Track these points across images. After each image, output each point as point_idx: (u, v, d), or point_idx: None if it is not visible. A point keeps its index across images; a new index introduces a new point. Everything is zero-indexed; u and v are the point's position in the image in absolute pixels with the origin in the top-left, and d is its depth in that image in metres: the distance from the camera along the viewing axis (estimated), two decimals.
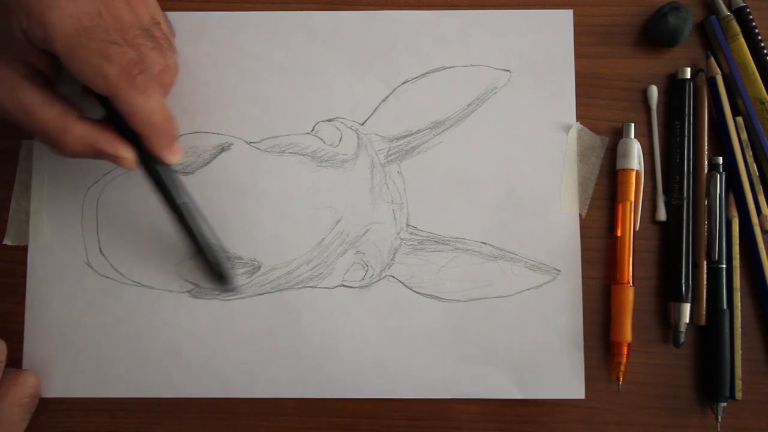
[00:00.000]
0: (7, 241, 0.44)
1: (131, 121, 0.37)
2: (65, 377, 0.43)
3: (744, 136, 0.44)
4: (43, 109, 0.37)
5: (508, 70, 0.45)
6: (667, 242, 0.44)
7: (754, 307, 0.44)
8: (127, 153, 0.38)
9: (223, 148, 0.44)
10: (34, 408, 0.42)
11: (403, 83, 0.45)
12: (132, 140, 0.38)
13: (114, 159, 0.38)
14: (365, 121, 0.45)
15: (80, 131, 0.37)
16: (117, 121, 0.38)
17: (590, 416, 0.43)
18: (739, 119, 0.44)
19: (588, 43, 0.45)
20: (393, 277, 0.44)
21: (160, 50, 0.39)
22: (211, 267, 0.41)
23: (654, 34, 0.45)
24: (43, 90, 0.37)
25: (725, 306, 0.43)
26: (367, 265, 0.44)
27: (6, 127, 0.45)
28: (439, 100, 0.45)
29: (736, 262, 0.43)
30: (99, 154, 0.38)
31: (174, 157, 0.39)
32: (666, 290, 0.44)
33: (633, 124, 0.44)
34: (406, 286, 0.44)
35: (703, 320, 0.43)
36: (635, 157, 0.44)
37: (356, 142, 0.45)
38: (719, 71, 0.45)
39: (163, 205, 0.40)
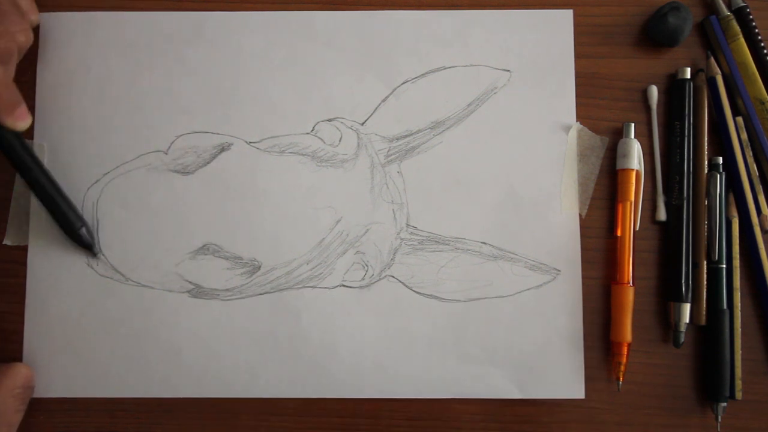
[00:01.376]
0: (7, 241, 0.44)
1: None
2: (65, 377, 0.43)
3: (744, 136, 0.44)
4: None
5: (508, 70, 0.45)
6: (667, 242, 0.44)
7: (754, 307, 0.44)
8: None
9: (223, 148, 0.44)
10: (28, 399, 0.42)
11: (403, 83, 0.45)
12: None
13: None
14: (365, 121, 0.45)
15: None
16: None
17: (590, 416, 0.43)
18: (739, 119, 0.44)
19: (588, 43, 0.45)
20: (393, 277, 0.44)
21: None
22: (69, 231, 0.42)
23: (654, 34, 0.45)
24: None
25: (725, 306, 0.43)
26: (367, 265, 0.44)
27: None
28: (439, 100, 0.45)
29: (736, 262, 0.43)
30: None
31: (18, 122, 0.40)
32: (666, 290, 0.44)
33: (633, 124, 0.44)
34: (406, 286, 0.44)
35: (703, 320, 0.43)
36: (635, 157, 0.44)
37: (356, 142, 0.45)
38: (719, 71, 0.45)
39: (16, 170, 0.41)
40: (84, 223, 0.43)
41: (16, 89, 0.40)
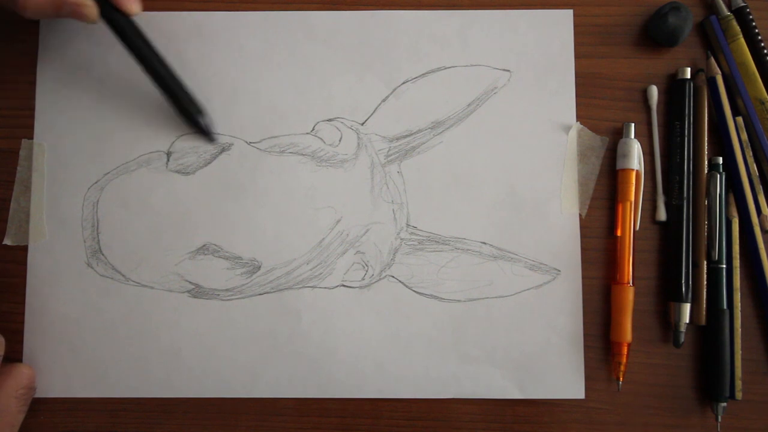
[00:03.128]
0: (7, 241, 0.44)
1: None
2: (65, 377, 0.43)
3: (744, 136, 0.44)
4: None
5: (508, 70, 0.45)
6: (667, 242, 0.44)
7: (754, 307, 0.44)
8: (89, 1, 0.39)
9: (223, 148, 0.44)
10: (30, 400, 0.42)
11: (403, 83, 0.45)
12: None
13: (76, 9, 0.39)
14: (365, 121, 0.45)
15: None
16: None
17: (590, 416, 0.43)
18: (739, 119, 0.44)
19: (588, 43, 0.45)
20: (393, 277, 0.44)
21: None
22: (188, 111, 0.43)
23: (654, 34, 0.45)
24: None
25: (725, 306, 0.43)
26: (367, 265, 0.44)
27: (6, 128, 0.45)
28: (439, 100, 0.45)
29: (736, 262, 0.43)
30: (60, 7, 0.39)
31: (133, 5, 0.41)
32: (666, 290, 0.44)
33: (633, 124, 0.44)
34: (406, 286, 0.44)
35: (703, 320, 0.43)
36: (635, 157, 0.44)
37: (356, 142, 0.45)
38: (719, 71, 0.45)
39: (131, 55, 0.42)
40: (202, 110, 0.43)
41: None
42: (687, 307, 0.43)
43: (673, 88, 0.45)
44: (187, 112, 0.43)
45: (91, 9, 0.39)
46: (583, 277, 0.44)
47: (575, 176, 0.44)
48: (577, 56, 0.45)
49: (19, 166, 0.44)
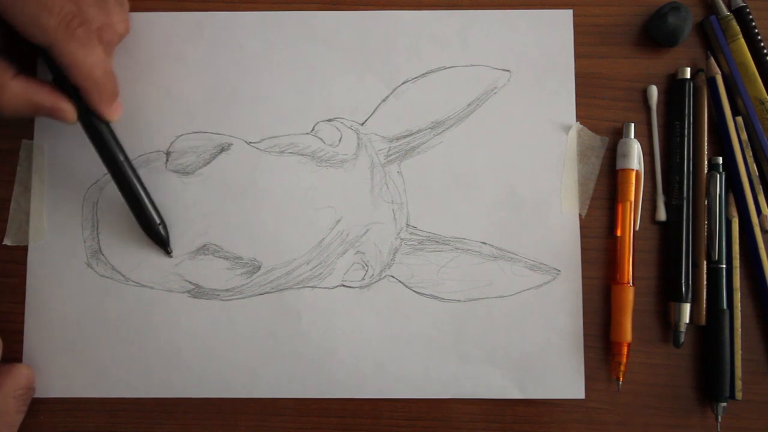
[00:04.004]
0: (7, 241, 0.44)
1: (71, 74, 0.38)
2: (65, 377, 0.43)
3: (744, 136, 0.44)
4: None
5: (508, 70, 0.45)
6: (667, 242, 0.44)
7: (754, 307, 0.44)
8: (66, 105, 0.39)
9: (223, 148, 0.44)
10: (29, 400, 0.42)
11: (403, 83, 0.45)
12: (74, 97, 0.39)
13: (53, 112, 0.39)
14: (365, 121, 0.45)
15: (18, 87, 0.38)
16: (60, 79, 0.39)
17: (590, 416, 0.43)
18: (739, 119, 0.44)
19: (588, 43, 0.45)
20: (393, 277, 0.44)
21: (101, 6, 0.39)
22: (150, 229, 0.42)
23: (654, 34, 0.45)
24: None
25: (725, 306, 0.43)
26: (367, 265, 0.44)
27: (6, 127, 0.45)
28: (439, 100, 0.45)
29: (736, 262, 0.43)
30: (37, 109, 0.39)
31: (114, 114, 0.40)
32: (666, 290, 0.44)
33: (633, 124, 0.44)
34: (406, 286, 0.44)
35: (703, 320, 0.43)
36: (635, 157, 0.44)
37: (356, 142, 0.45)
38: (719, 71, 0.45)
39: (103, 162, 0.41)
40: (162, 221, 0.43)
41: (116, 80, 0.40)
42: (687, 307, 0.43)
43: (673, 88, 0.45)
44: (147, 223, 0.42)
45: (70, 113, 0.39)
46: (583, 277, 0.44)
47: (575, 176, 0.44)
48: (577, 56, 0.45)
49: (19, 167, 0.44)
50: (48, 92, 0.39)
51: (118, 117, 0.41)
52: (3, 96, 0.38)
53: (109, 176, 0.44)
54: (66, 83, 0.39)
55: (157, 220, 0.42)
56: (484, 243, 0.44)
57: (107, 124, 0.41)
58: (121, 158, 0.41)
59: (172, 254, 0.43)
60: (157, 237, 0.43)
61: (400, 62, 0.45)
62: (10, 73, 0.38)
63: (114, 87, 0.40)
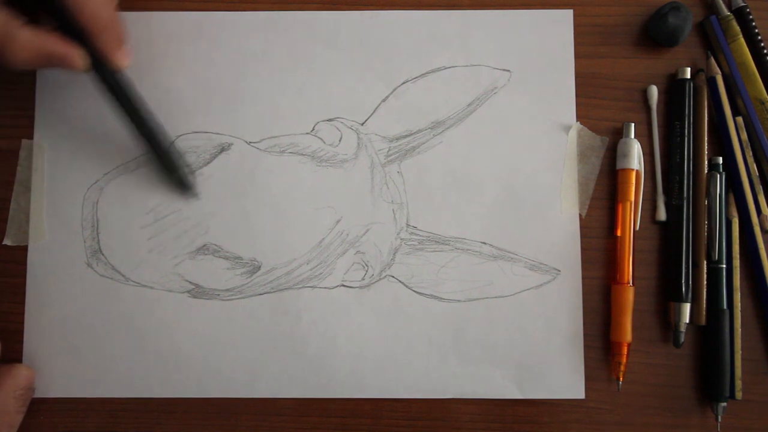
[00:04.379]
0: (7, 241, 0.44)
1: (81, 17, 0.37)
2: (65, 377, 0.43)
3: (744, 136, 0.44)
4: None
5: (508, 70, 0.45)
6: (667, 242, 0.44)
7: (754, 307, 0.44)
8: (78, 52, 0.38)
9: (223, 148, 0.44)
10: (29, 400, 0.42)
11: (403, 83, 0.45)
12: (83, 46, 0.39)
13: (65, 61, 0.38)
14: (365, 121, 0.45)
15: (27, 36, 0.37)
16: (66, 28, 0.38)
17: (590, 416, 0.43)
18: (739, 119, 0.44)
19: (588, 43, 0.45)
20: (393, 277, 0.44)
21: None
22: (170, 172, 0.42)
23: (654, 34, 0.45)
24: None
25: (725, 306, 0.43)
26: (367, 265, 0.44)
27: (6, 127, 0.45)
28: (439, 100, 0.45)
29: (736, 262, 0.43)
30: (49, 59, 0.38)
31: (124, 59, 0.40)
32: (666, 290, 0.44)
33: (633, 124, 0.44)
34: (406, 286, 0.44)
35: (703, 320, 0.43)
36: (635, 157, 0.44)
37: (356, 142, 0.45)
38: (719, 71, 0.45)
39: (116, 111, 0.41)
40: (187, 165, 0.43)
41: (122, 25, 0.39)
42: (687, 307, 0.43)
43: (673, 88, 0.45)
44: (171, 168, 0.42)
45: (81, 59, 0.38)
46: (583, 277, 0.44)
47: (575, 176, 0.44)
48: (577, 56, 0.45)
49: (19, 166, 0.44)
50: (59, 41, 0.38)
51: (127, 63, 0.40)
52: (14, 46, 0.37)
53: (109, 176, 0.44)
54: (73, 31, 0.38)
55: (180, 165, 0.42)
56: (484, 243, 0.44)
57: (117, 71, 0.40)
58: (137, 106, 0.41)
59: (199, 196, 0.43)
60: (182, 181, 0.43)
61: (400, 62, 0.45)
62: (18, 22, 0.37)
63: (121, 31, 0.39)
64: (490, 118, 0.45)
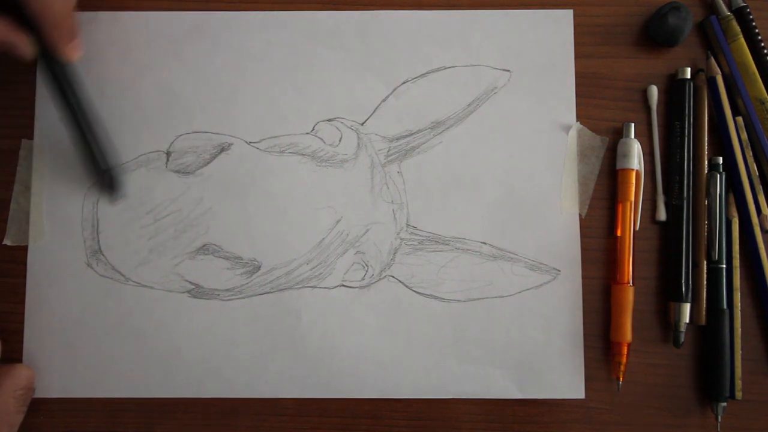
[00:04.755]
0: (7, 241, 0.44)
1: (32, 9, 0.37)
2: (65, 377, 0.43)
3: (744, 136, 0.44)
4: None
5: (508, 70, 0.45)
6: (667, 242, 0.44)
7: (754, 307, 0.44)
8: (24, 39, 0.38)
9: (223, 148, 0.44)
10: (29, 400, 0.42)
11: (403, 83, 0.45)
12: (32, 34, 0.38)
13: (12, 47, 0.38)
14: (365, 121, 0.45)
15: None
16: (18, 15, 0.38)
17: (590, 416, 0.43)
18: (739, 119, 0.44)
19: (588, 43, 0.45)
20: (393, 277, 0.44)
21: None
22: (100, 171, 0.42)
23: (654, 34, 0.45)
24: None
25: (725, 306, 0.43)
26: (367, 265, 0.44)
27: (6, 128, 0.45)
28: (439, 100, 0.45)
29: (736, 262, 0.43)
30: None
31: (72, 53, 0.39)
32: (666, 290, 0.44)
33: (633, 124, 0.44)
34: (406, 286, 0.44)
35: (703, 320, 0.43)
36: (635, 157, 0.44)
37: (356, 142, 0.45)
38: (719, 71, 0.45)
39: (58, 104, 0.40)
40: (114, 166, 0.42)
41: (75, 18, 0.39)
42: (687, 307, 0.43)
43: (673, 88, 0.45)
44: (103, 167, 0.42)
45: (27, 48, 0.38)
46: (583, 277, 0.44)
47: (575, 176, 0.44)
48: (577, 56, 0.45)
49: (19, 166, 0.44)
50: (7, 26, 0.37)
51: (76, 57, 0.40)
52: None
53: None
54: (23, 19, 0.38)
55: (103, 164, 0.42)
56: (484, 243, 0.44)
57: (66, 66, 0.40)
58: (76, 100, 0.40)
59: (116, 203, 0.43)
60: (110, 181, 0.42)
61: (400, 62, 0.45)
62: None
63: (73, 25, 0.39)
64: (490, 118, 0.45)
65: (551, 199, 0.44)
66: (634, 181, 0.44)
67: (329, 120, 0.45)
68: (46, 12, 0.37)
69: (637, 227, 0.44)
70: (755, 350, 0.44)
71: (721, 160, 0.44)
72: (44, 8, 0.37)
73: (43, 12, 0.37)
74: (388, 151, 0.45)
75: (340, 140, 0.45)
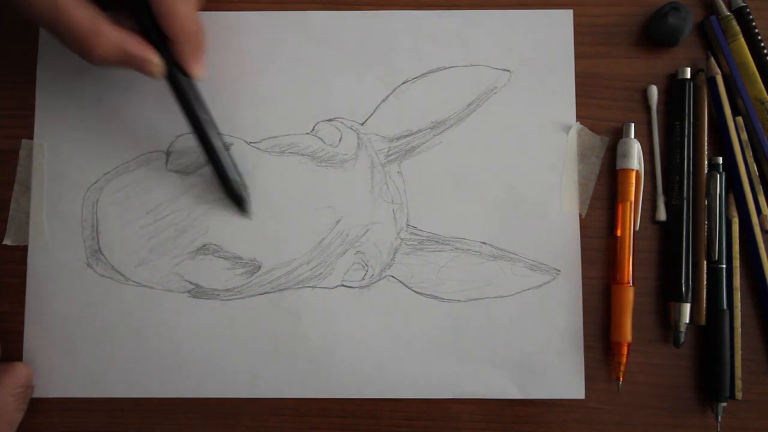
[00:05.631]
0: (7, 241, 0.44)
1: (166, 23, 0.38)
2: (65, 377, 0.43)
3: (744, 136, 0.44)
4: (77, 9, 0.37)
5: (508, 70, 0.45)
6: (667, 242, 0.44)
7: (754, 307, 0.44)
8: (156, 58, 0.39)
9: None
10: (29, 398, 0.42)
11: (403, 83, 0.45)
12: (161, 51, 0.39)
13: (142, 64, 0.39)
14: (365, 121, 0.45)
15: (112, 34, 0.37)
16: (148, 31, 0.39)
17: (590, 416, 0.43)
18: (739, 119, 0.44)
19: (588, 43, 0.45)
20: (393, 277, 0.44)
21: None
22: (227, 185, 0.42)
23: (654, 34, 0.45)
24: None
25: (725, 306, 0.43)
26: (367, 265, 0.44)
27: (6, 128, 0.45)
28: (439, 100, 0.45)
29: (736, 262, 0.43)
30: (128, 59, 0.38)
31: (201, 70, 0.40)
32: (666, 290, 0.44)
33: (633, 124, 0.44)
34: (406, 286, 0.44)
35: (703, 320, 0.43)
36: (635, 157, 0.44)
37: (356, 142, 0.45)
38: (719, 71, 0.45)
39: (185, 118, 0.41)
40: (243, 181, 0.43)
41: (204, 38, 0.40)
42: (687, 307, 0.43)
43: (673, 88, 0.45)
44: (230, 186, 0.42)
45: (158, 67, 0.39)
46: (583, 277, 0.44)
47: (575, 176, 0.44)
48: (577, 56, 0.45)
49: (19, 166, 0.44)
50: (140, 43, 0.38)
51: (203, 74, 0.41)
52: (99, 41, 0.37)
53: (109, 176, 0.44)
54: (154, 36, 0.39)
55: (239, 180, 0.42)
56: (484, 243, 0.44)
57: (191, 81, 0.41)
58: (205, 117, 0.41)
59: (251, 216, 0.43)
60: (237, 197, 0.43)
61: (400, 62, 0.45)
62: (105, 19, 0.37)
63: (203, 42, 0.40)
64: (490, 118, 0.45)
65: (551, 199, 0.44)
66: (634, 181, 0.44)
67: (329, 120, 0.45)
68: (181, 29, 0.38)
69: (637, 227, 0.44)
70: (755, 350, 0.44)
71: (721, 160, 0.44)
72: (179, 26, 0.38)
73: (178, 29, 0.38)
74: (388, 151, 0.45)
75: (340, 140, 0.45)
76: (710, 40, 0.45)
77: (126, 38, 0.38)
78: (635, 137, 0.44)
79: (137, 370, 0.43)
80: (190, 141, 0.44)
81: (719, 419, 0.42)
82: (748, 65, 0.44)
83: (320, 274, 0.44)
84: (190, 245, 0.44)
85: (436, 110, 0.45)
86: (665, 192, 0.44)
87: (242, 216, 0.44)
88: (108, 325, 0.43)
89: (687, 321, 0.43)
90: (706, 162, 0.44)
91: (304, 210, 0.44)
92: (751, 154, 0.44)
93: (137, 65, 0.39)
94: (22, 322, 0.43)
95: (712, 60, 0.45)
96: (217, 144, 0.42)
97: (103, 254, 0.44)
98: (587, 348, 0.43)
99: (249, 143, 0.44)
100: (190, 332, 0.43)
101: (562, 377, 0.43)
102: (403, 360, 0.43)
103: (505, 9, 0.45)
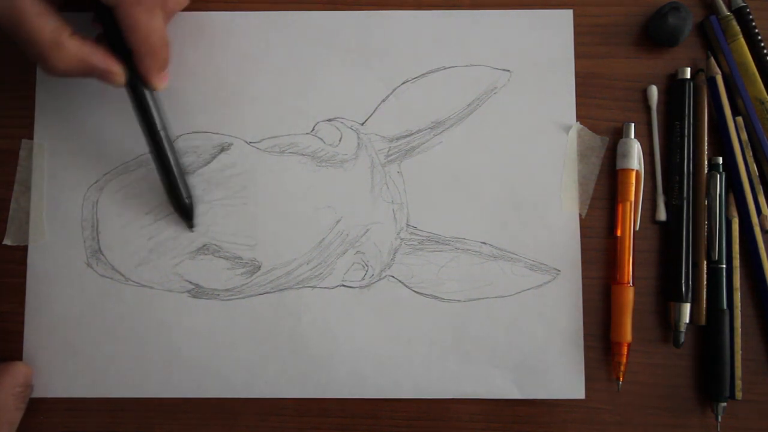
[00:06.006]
0: (7, 241, 0.44)
1: (130, 36, 0.38)
2: (65, 377, 0.43)
3: (744, 136, 0.44)
4: (40, 21, 0.37)
5: (508, 70, 0.45)
6: (667, 242, 0.44)
7: (754, 307, 0.44)
8: (118, 68, 0.39)
9: (223, 148, 0.44)
10: (28, 397, 0.42)
11: (403, 83, 0.45)
12: (124, 60, 0.39)
13: (104, 74, 0.39)
14: (365, 121, 0.45)
15: (74, 46, 0.38)
16: (112, 40, 0.39)
17: (590, 416, 0.43)
18: (739, 119, 0.44)
19: (588, 43, 0.45)
20: (393, 277, 0.44)
21: None
22: (175, 198, 0.42)
23: (654, 34, 0.45)
24: (41, 2, 0.37)
25: (725, 306, 0.43)
26: (367, 265, 0.44)
27: (6, 128, 0.45)
28: (439, 100, 0.45)
29: (736, 262, 0.43)
30: (90, 70, 0.39)
31: (162, 83, 0.41)
32: (666, 290, 0.44)
33: (633, 124, 0.44)
34: (406, 286, 0.44)
35: (703, 320, 0.43)
36: (635, 157, 0.44)
37: (356, 142, 0.45)
38: (719, 71, 0.45)
39: (142, 130, 0.41)
40: (190, 196, 0.43)
41: (169, 49, 0.40)
42: (687, 307, 0.43)
43: (673, 88, 0.45)
44: (175, 195, 0.42)
45: (120, 76, 0.39)
46: (583, 277, 0.44)
47: (575, 176, 0.44)
48: (577, 56, 0.45)
49: (19, 166, 0.44)
50: (102, 54, 0.39)
51: (164, 86, 0.41)
52: (59, 54, 0.37)
53: (109, 176, 0.44)
54: (119, 47, 0.39)
55: (185, 194, 0.42)
56: (484, 243, 0.44)
57: (151, 92, 0.41)
58: (159, 129, 0.41)
59: (193, 229, 0.43)
60: (183, 209, 0.43)
61: (400, 62, 0.45)
62: (67, 32, 0.38)
63: (167, 56, 0.40)
64: (490, 118, 0.45)
65: (551, 199, 0.44)
66: (634, 181, 0.44)
67: (329, 120, 0.45)
68: (146, 43, 0.38)
69: (637, 227, 0.44)
70: (755, 350, 0.44)
71: (721, 160, 0.44)
72: (145, 39, 0.38)
73: (143, 42, 0.38)
74: (388, 151, 0.45)
75: (340, 140, 0.45)
76: (710, 40, 0.45)
77: (88, 50, 0.38)
78: (635, 137, 0.44)
79: (137, 370, 0.43)
80: (190, 141, 0.44)
81: (719, 419, 0.42)
82: (748, 65, 0.44)
83: (320, 274, 0.44)
84: (190, 245, 0.44)
85: (436, 110, 0.45)
86: (665, 192, 0.44)
87: (187, 228, 0.44)
88: (108, 325, 0.43)
89: (687, 321, 0.43)
90: (706, 162, 0.44)
91: (304, 210, 0.44)
92: (751, 154, 0.44)
93: (99, 76, 0.39)
94: (22, 322, 0.43)
95: (712, 60, 0.45)
96: (170, 156, 0.42)
97: (103, 254, 0.44)
98: (587, 348, 0.43)
99: (249, 143, 0.44)
100: (190, 332, 0.43)
101: (562, 377, 0.43)
102: (403, 360, 0.43)
103: (505, 9, 0.45)
